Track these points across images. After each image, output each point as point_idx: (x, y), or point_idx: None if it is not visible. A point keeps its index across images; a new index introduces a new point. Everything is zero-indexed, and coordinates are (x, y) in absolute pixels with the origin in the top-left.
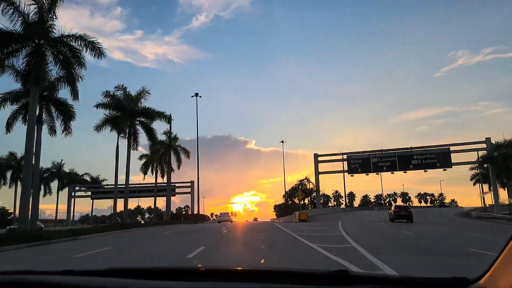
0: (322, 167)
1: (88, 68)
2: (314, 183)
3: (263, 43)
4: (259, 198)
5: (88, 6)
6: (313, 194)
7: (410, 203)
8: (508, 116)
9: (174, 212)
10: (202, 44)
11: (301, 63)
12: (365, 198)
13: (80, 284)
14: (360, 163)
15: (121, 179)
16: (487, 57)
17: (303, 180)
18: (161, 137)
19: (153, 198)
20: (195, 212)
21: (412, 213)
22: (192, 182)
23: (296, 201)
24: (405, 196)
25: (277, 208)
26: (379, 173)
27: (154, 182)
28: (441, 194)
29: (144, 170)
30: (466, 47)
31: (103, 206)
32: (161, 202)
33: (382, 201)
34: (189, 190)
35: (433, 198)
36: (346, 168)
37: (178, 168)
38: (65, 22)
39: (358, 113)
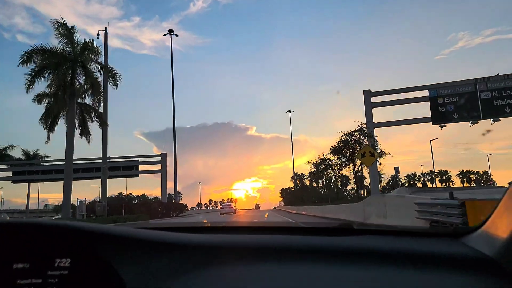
0: (379, 114)
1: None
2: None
3: (262, 27)
4: (260, 184)
5: None
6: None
7: (451, 183)
8: None
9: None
10: (200, 30)
11: (301, 47)
12: (393, 178)
13: None
14: (456, 102)
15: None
16: (488, 39)
17: (354, 133)
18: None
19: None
20: (177, 200)
21: None
22: (163, 155)
23: (366, 165)
24: (444, 175)
25: (285, 193)
26: (494, 121)
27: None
28: (485, 173)
29: (50, 123)
30: (466, 28)
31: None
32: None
33: (414, 181)
34: (158, 167)
35: (477, 177)
36: (428, 115)
37: (98, 108)
38: (61, 9)
39: (360, 96)
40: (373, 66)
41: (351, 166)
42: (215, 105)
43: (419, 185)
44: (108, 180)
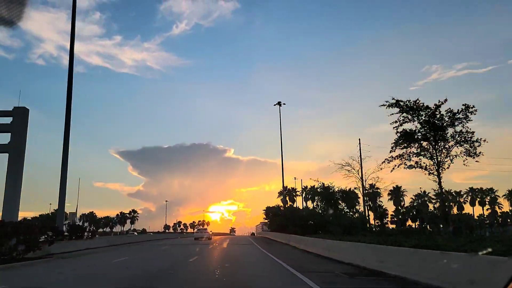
0: None
1: (64, 72)
2: None
3: (243, 52)
4: (236, 207)
5: (65, 9)
6: None
7: (498, 206)
8: (480, 129)
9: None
10: (182, 52)
11: (279, 72)
12: (420, 197)
13: None
14: None
15: None
16: (460, 73)
17: None
18: None
19: None
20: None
21: None
22: (18, 111)
23: None
24: (488, 194)
25: (272, 213)
26: None
27: None
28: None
29: None
30: (440, 62)
31: None
32: None
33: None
34: (6, 138)
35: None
36: None
37: None
38: (41, 25)
39: (335, 122)
40: (350, 94)
41: None
42: (194, 126)
43: (455, 210)
44: None
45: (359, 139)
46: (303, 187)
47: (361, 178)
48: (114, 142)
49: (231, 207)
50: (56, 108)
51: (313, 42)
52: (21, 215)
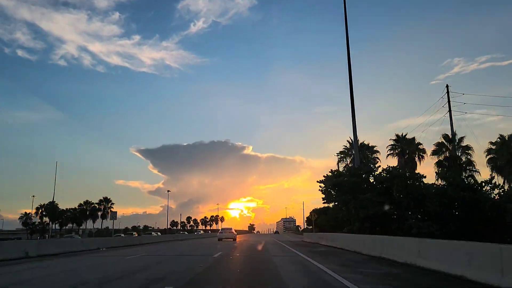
0: None
1: (85, 72)
2: None
3: (261, 49)
4: (255, 204)
5: (86, 10)
6: None
7: None
8: (503, 124)
9: None
10: (200, 50)
11: (298, 69)
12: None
13: None
14: None
15: None
16: (483, 65)
17: None
18: None
19: None
20: None
21: None
22: None
23: None
24: None
25: (338, 189)
26: None
27: None
28: None
29: None
30: (462, 55)
31: None
32: None
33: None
34: None
35: None
36: None
37: None
38: (62, 26)
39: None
40: (369, 90)
41: None
42: (213, 123)
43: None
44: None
45: (447, 85)
46: (394, 140)
47: (452, 133)
48: (134, 141)
49: (250, 204)
50: (76, 107)
51: (331, 39)
52: None
